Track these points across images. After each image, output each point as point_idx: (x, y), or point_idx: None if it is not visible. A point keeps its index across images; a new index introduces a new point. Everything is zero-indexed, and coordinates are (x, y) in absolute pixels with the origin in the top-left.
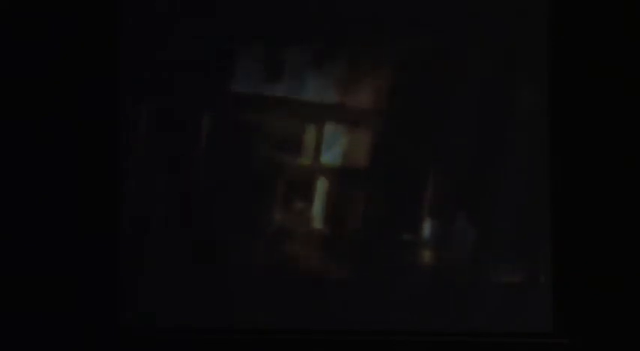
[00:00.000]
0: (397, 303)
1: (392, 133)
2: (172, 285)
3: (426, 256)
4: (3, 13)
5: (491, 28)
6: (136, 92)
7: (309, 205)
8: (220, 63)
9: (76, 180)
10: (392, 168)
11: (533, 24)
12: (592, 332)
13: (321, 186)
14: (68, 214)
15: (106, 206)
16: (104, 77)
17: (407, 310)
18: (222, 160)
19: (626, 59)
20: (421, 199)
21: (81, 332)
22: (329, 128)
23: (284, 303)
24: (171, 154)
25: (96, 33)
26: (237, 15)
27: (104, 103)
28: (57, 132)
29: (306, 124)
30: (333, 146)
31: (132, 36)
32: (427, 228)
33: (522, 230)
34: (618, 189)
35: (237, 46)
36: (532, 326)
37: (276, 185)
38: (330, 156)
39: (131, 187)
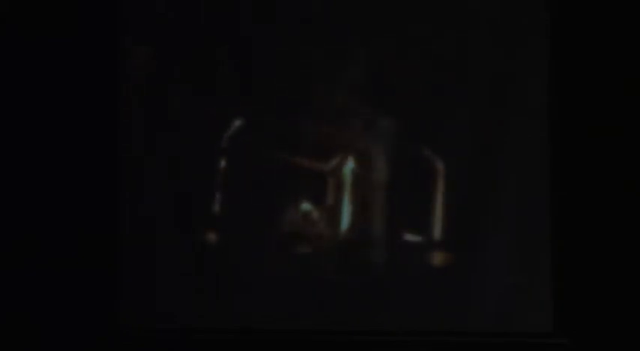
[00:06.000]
0: (397, 303)
1: (396, 135)
2: (172, 285)
3: (427, 256)
4: (3, 14)
5: (492, 28)
6: (136, 92)
7: (313, 206)
8: (221, 62)
9: (76, 180)
10: (390, 170)
11: (533, 24)
12: (592, 332)
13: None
14: (68, 214)
15: (106, 206)
16: (105, 77)
17: (407, 310)
18: (223, 160)
19: (626, 59)
20: (422, 201)
21: (81, 332)
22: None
23: (284, 303)
24: (172, 154)
25: (96, 32)
26: (238, 14)
27: (104, 103)
28: (57, 132)
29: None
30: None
31: (131, 36)
32: (427, 229)
33: (522, 230)
34: (618, 189)
35: (240, 46)
36: (532, 326)
37: (280, 186)
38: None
39: (131, 187)
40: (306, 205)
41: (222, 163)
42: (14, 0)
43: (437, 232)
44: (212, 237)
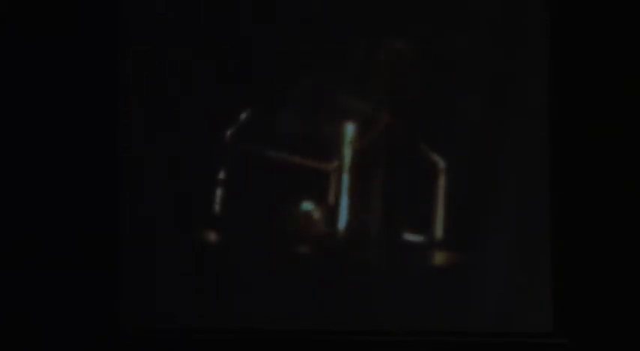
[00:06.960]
0: (397, 303)
1: (396, 134)
2: (172, 285)
3: (427, 256)
4: (3, 14)
5: (492, 28)
6: (136, 92)
7: (313, 206)
8: (221, 62)
9: (76, 180)
10: (390, 170)
11: (533, 24)
12: (592, 332)
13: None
14: (68, 214)
15: (106, 206)
16: (104, 77)
17: (407, 310)
18: (223, 160)
19: (626, 59)
20: (423, 200)
21: (81, 332)
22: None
23: (284, 303)
24: (172, 154)
25: (96, 32)
26: (238, 14)
27: (104, 103)
28: (57, 132)
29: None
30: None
31: (131, 36)
32: (428, 229)
33: (522, 230)
34: (618, 189)
35: (240, 46)
36: (532, 326)
37: (280, 186)
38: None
39: (131, 187)
40: (306, 205)
41: (223, 163)
42: (14, 0)
43: (437, 231)
44: (212, 237)
